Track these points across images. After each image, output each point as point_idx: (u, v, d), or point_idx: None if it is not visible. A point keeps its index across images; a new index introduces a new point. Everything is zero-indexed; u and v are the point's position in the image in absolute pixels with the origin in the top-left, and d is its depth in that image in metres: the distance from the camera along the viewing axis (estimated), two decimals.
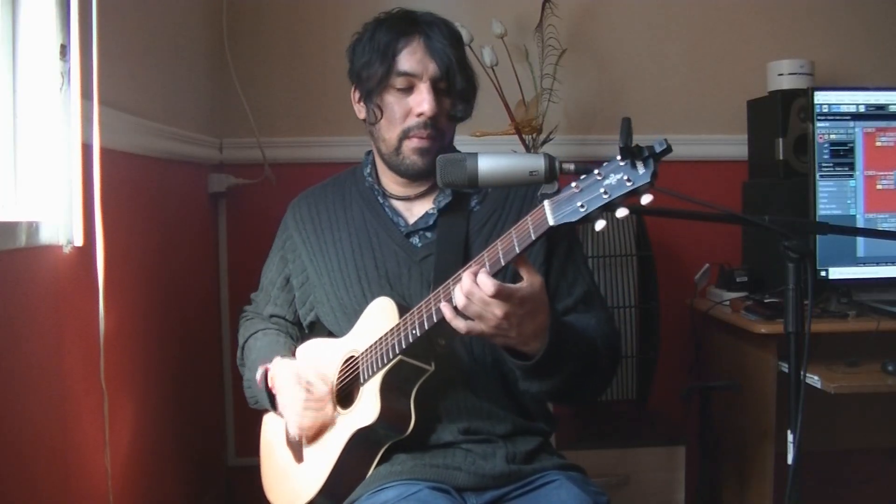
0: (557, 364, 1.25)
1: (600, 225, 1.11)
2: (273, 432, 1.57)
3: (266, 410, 1.57)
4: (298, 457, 1.48)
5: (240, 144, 2.43)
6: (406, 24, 1.44)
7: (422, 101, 1.41)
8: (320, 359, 1.49)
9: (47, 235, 1.33)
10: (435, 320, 1.27)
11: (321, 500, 1.42)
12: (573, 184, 1.11)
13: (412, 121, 1.42)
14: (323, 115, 2.47)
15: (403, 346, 1.31)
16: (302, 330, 1.62)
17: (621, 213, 1.09)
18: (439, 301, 1.26)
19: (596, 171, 1.10)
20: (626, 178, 1.06)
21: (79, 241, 1.39)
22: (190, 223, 2.22)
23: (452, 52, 1.42)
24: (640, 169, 1.06)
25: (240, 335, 1.64)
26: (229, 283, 2.44)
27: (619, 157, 1.08)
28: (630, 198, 1.07)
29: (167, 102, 1.98)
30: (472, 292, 1.15)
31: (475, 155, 1.28)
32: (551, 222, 1.11)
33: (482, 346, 1.43)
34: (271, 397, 1.47)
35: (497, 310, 1.15)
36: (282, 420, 1.53)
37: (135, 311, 1.72)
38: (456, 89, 1.44)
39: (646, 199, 1.07)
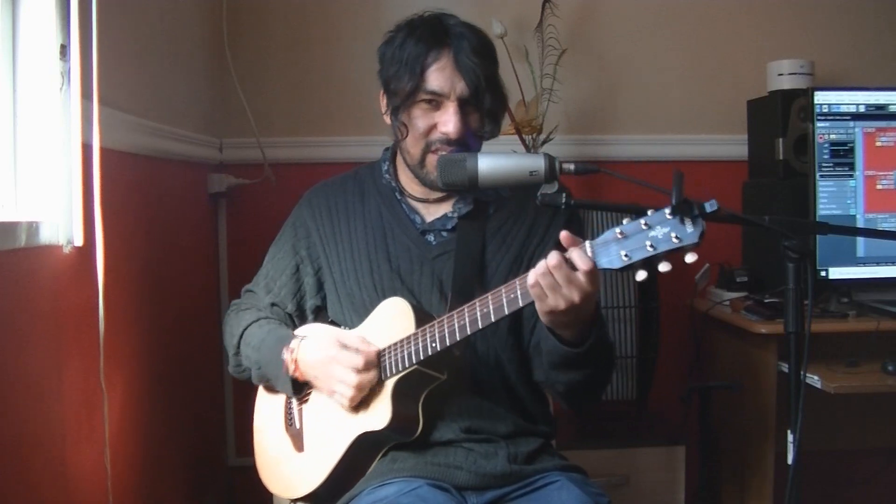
0: (596, 353, 1.27)
1: (641, 275, 1.10)
2: (267, 417, 1.56)
3: (256, 395, 1.57)
4: (299, 445, 1.48)
5: (240, 144, 2.42)
6: (436, 36, 1.41)
7: (447, 122, 1.39)
8: None
9: (47, 235, 1.33)
10: (458, 338, 1.27)
11: (321, 492, 1.42)
12: (617, 229, 1.11)
13: (436, 135, 1.41)
14: (323, 115, 2.47)
15: (421, 357, 1.31)
16: (302, 321, 1.58)
17: (664, 267, 1.08)
18: (463, 317, 1.27)
19: (642, 221, 1.09)
20: (673, 234, 1.06)
21: (79, 241, 1.39)
22: (190, 223, 2.22)
23: (482, 69, 1.40)
24: (689, 227, 1.05)
25: (233, 326, 1.56)
26: (229, 284, 2.43)
27: (667, 210, 1.07)
28: (674, 254, 1.07)
29: (167, 102, 1.98)
30: (559, 267, 1.14)
31: (475, 155, 1.28)
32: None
33: (486, 345, 1.44)
34: (295, 382, 1.43)
35: (575, 291, 1.14)
36: (276, 404, 1.52)
37: (135, 311, 1.72)
38: (484, 107, 1.42)
39: (690, 257, 1.06)
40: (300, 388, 1.45)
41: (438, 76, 1.39)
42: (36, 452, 1.29)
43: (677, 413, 2.27)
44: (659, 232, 1.07)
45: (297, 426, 1.49)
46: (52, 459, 1.34)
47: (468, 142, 1.42)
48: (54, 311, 1.37)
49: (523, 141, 2.30)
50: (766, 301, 2.08)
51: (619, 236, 1.11)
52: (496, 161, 1.27)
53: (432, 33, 1.41)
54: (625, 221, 1.11)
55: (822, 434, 2.24)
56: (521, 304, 1.21)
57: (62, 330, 1.39)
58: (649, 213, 1.09)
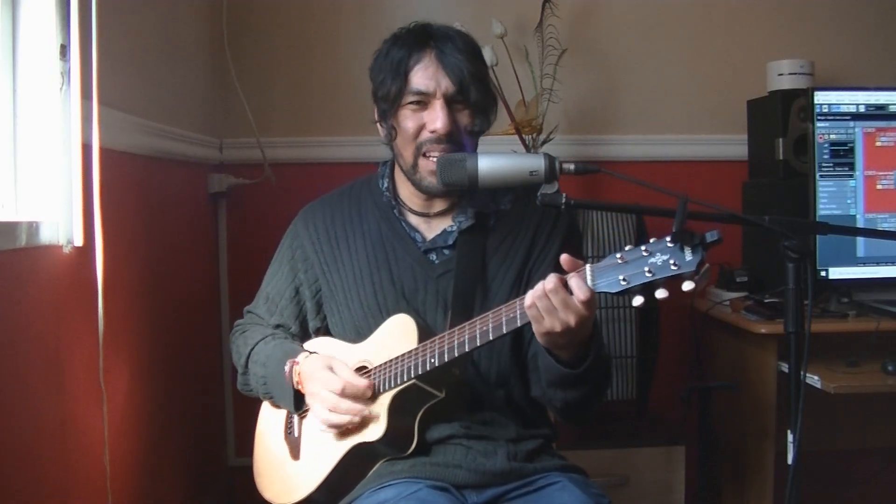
0: (593, 372, 1.28)
1: (638, 301, 1.12)
2: (269, 423, 1.56)
3: (261, 402, 1.57)
4: (295, 453, 1.48)
5: (240, 144, 2.42)
6: (420, 39, 1.41)
7: (435, 119, 1.38)
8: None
9: (47, 235, 1.33)
10: (456, 354, 1.28)
11: (315, 496, 1.42)
12: (618, 254, 1.13)
13: (426, 136, 1.40)
14: (323, 115, 2.47)
15: (420, 372, 1.31)
16: (305, 339, 1.58)
17: (661, 294, 1.09)
18: (463, 334, 1.27)
19: (643, 248, 1.11)
20: (672, 261, 1.08)
21: (79, 241, 1.39)
22: (190, 223, 2.22)
23: (467, 65, 1.39)
24: (688, 255, 1.07)
25: (240, 345, 1.58)
26: (229, 283, 2.44)
27: (668, 238, 1.09)
28: (672, 281, 1.08)
29: (167, 102, 1.98)
30: (556, 291, 1.16)
31: (475, 155, 1.28)
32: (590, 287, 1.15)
33: (489, 363, 1.43)
34: (296, 394, 1.44)
35: (572, 315, 1.16)
36: (279, 411, 1.53)
37: (135, 311, 1.72)
38: (471, 102, 1.41)
39: (687, 286, 1.08)
40: (301, 403, 1.45)
41: (423, 75, 1.39)
42: (36, 452, 1.29)
43: (677, 413, 2.27)
44: (658, 259, 1.09)
45: (296, 435, 1.49)
46: (52, 459, 1.34)
47: (460, 139, 1.41)
48: (54, 311, 1.37)
49: (523, 141, 2.30)
50: (766, 301, 2.08)
51: (620, 261, 1.12)
52: (496, 161, 1.27)
53: (416, 38, 1.42)
54: (626, 248, 1.13)
55: (822, 434, 2.24)
56: (519, 324, 1.22)
57: (62, 330, 1.39)
58: (651, 240, 1.11)
